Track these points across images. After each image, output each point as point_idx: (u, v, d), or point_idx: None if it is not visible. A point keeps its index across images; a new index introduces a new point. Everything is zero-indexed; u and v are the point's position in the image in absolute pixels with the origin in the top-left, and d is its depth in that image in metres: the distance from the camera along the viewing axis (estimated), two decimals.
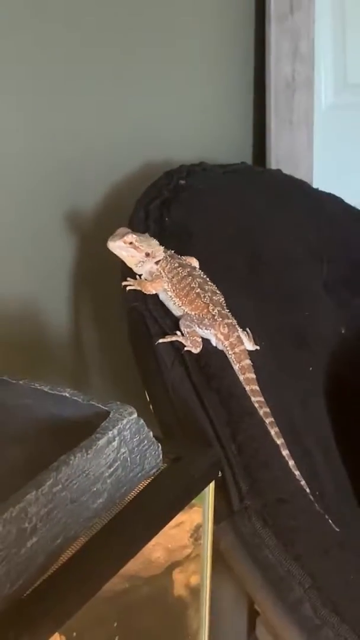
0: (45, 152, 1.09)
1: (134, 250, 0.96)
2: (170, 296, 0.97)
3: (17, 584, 0.59)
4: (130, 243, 0.96)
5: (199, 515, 0.82)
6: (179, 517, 0.78)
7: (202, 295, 0.96)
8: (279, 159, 1.50)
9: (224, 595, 1.48)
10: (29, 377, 0.76)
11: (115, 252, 0.97)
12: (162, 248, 0.98)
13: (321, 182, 1.51)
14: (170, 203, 1.11)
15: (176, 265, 0.98)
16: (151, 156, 1.28)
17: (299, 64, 1.45)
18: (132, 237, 0.96)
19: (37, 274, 1.11)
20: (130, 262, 0.98)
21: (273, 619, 0.81)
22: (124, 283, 0.98)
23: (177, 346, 0.93)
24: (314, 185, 1.49)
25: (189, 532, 0.82)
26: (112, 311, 1.10)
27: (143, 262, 0.97)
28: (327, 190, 1.46)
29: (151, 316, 0.96)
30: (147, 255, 0.97)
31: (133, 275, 0.99)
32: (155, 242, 0.98)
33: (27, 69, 1.05)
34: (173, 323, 0.96)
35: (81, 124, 1.15)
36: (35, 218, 1.10)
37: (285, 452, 0.92)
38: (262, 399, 0.94)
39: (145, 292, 0.98)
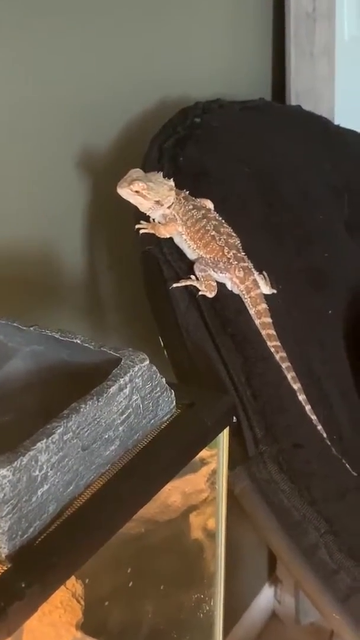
0: (58, 91, 1.06)
1: (142, 199, 0.94)
2: (185, 239, 0.95)
3: (29, 532, 0.59)
4: (137, 192, 0.93)
5: (215, 460, 0.82)
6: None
7: (217, 238, 0.94)
8: (298, 93, 1.45)
9: (245, 537, 1.50)
10: (43, 320, 0.75)
11: (124, 198, 0.95)
12: (173, 193, 0.95)
13: (343, 118, 1.47)
14: (185, 142, 1.08)
15: (190, 207, 0.95)
16: (167, 93, 1.25)
17: None
18: (139, 185, 0.93)
19: (52, 215, 1.09)
20: (141, 208, 0.95)
21: (289, 564, 0.81)
22: (137, 226, 0.96)
23: (192, 290, 0.92)
24: (336, 122, 1.45)
25: (206, 476, 0.82)
26: (127, 253, 1.08)
27: (153, 208, 0.95)
28: (350, 127, 1.41)
29: (165, 260, 0.94)
30: (157, 202, 0.94)
31: (147, 217, 0.97)
32: (167, 185, 0.95)
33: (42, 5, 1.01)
34: (188, 267, 0.94)
35: (95, 60, 1.12)
36: (49, 158, 1.07)
37: (301, 397, 0.91)
38: (278, 343, 0.92)
39: (159, 235, 0.95)
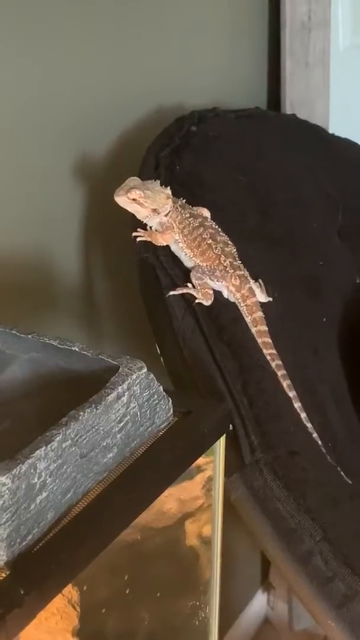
0: (55, 99, 1.07)
1: (139, 207, 0.94)
2: (182, 247, 0.96)
3: (27, 539, 0.59)
4: (134, 200, 0.94)
5: (211, 467, 0.82)
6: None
7: (213, 247, 0.95)
8: (293, 102, 1.47)
9: (239, 544, 1.50)
10: (40, 327, 0.76)
11: (121, 206, 0.95)
12: (170, 201, 0.95)
13: (337, 126, 1.48)
14: (181, 150, 1.09)
15: (187, 215, 0.96)
16: (163, 102, 1.25)
17: (315, 3, 1.40)
18: (136, 193, 0.93)
19: (49, 222, 1.10)
20: (138, 216, 0.96)
21: (284, 571, 0.81)
22: (134, 234, 0.97)
23: (188, 298, 0.92)
24: (330, 130, 1.46)
25: (201, 484, 0.83)
26: (124, 260, 1.08)
27: (150, 216, 0.95)
28: (344, 136, 1.42)
29: (162, 267, 0.95)
30: (154, 210, 0.95)
31: (143, 225, 0.97)
32: (164, 194, 0.95)
33: (41, 12, 1.02)
34: (184, 274, 0.95)
35: (92, 69, 1.12)
36: (46, 166, 1.08)
37: (297, 405, 0.92)
38: (274, 351, 0.93)
39: (155, 243, 0.96)
